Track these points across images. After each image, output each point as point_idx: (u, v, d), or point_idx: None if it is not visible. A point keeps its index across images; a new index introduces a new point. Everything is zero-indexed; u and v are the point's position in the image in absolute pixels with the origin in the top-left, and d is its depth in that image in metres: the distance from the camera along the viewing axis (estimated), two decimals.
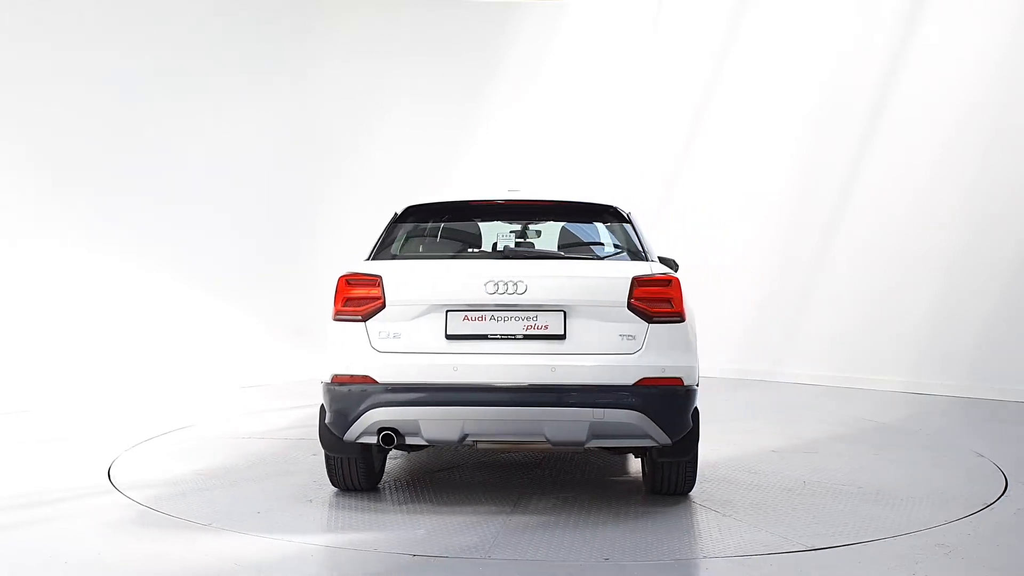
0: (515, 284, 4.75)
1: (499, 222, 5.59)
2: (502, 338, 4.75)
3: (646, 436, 4.71)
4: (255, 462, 6.14)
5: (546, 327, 4.74)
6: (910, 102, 9.75)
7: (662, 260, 6.88)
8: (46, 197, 8.91)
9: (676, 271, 6.93)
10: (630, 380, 4.67)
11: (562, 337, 4.73)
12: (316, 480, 5.68)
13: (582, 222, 5.49)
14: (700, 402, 6.65)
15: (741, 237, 10.83)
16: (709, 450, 6.52)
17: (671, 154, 11.52)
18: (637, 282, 4.78)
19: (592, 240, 5.49)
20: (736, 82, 11.03)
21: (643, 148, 11.69)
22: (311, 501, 5.22)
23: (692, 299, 5.06)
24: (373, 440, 4.82)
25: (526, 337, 4.74)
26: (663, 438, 4.72)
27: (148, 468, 6.00)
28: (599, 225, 5.40)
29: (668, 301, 4.80)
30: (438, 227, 5.60)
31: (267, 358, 10.27)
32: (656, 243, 7.50)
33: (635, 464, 6.17)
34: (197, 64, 9.96)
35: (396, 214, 5.52)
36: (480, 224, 5.66)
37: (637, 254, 5.17)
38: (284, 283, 10.41)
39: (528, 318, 4.76)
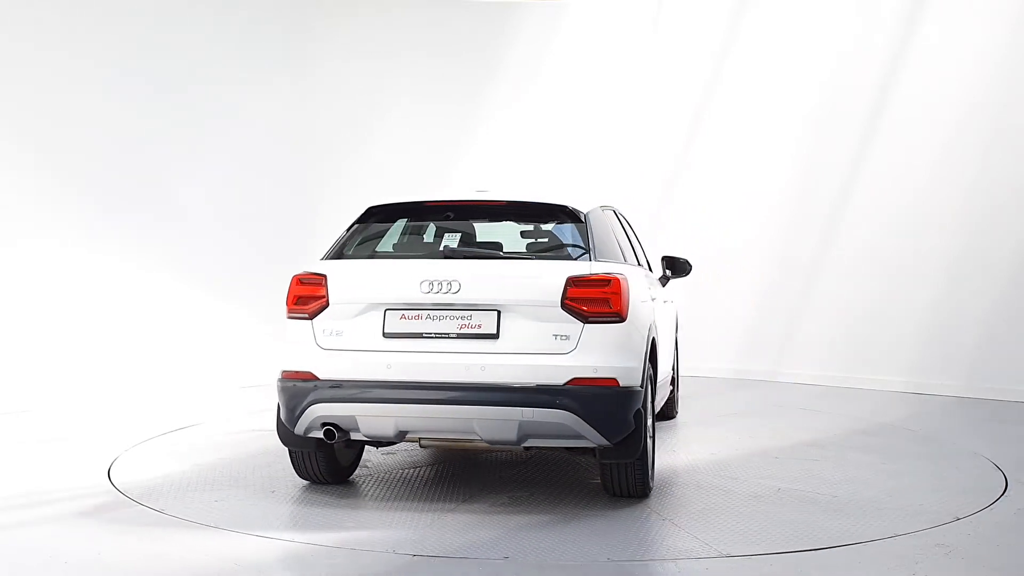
0: (449, 284, 4.81)
1: (460, 223, 5.58)
2: (436, 337, 4.81)
3: (579, 436, 4.72)
4: (255, 462, 6.14)
5: (479, 326, 4.78)
6: (910, 102, 9.74)
7: (672, 260, 6.92)
8: (46, 197, 8.91)
9: (688, 272, 6.98)
10: (560, 380, 4.67)
11: (495, 336, 4.76)
12: (316, 483, 5.68)
13: (537, 222, 5.46)
14: (700, 402, 6.72)
15: (741, 237, 10.83)
16: (696, 452, 6.55)
17: (671, 154, 11.51)
18: (571, 282, 4.77)
19: (545, 240, 5.45)
20: (736, 82, 11.02)
21: (643, 148, 11.68)
22: (311, 501, 5.22)
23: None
24: (319, 434, 4.95)
25: (460, 336, 4.79)
26: (599, 439, 4.73)
27: (148, 468, 6.00)
28: (557, 225, 5.35)
29: (606, 301, 4.77)
30: (395, 227, 5.60)
31: (267, 358, 10.25)
32: (657, 243, 7.53)
33: None
34: (196, 64, 9.95)
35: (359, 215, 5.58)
36: (436, 225, 5.63)
37: (585, 254, 5.06)
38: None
39: (463, 317, 4.80)
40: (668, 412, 7.78)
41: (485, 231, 5.64)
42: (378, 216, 5.51)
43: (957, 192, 9.42)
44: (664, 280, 7.01)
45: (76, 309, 9.01)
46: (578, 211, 5.22)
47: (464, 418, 4.74)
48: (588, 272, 4.84)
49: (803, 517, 4.89)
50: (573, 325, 4.73)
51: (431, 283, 4.82)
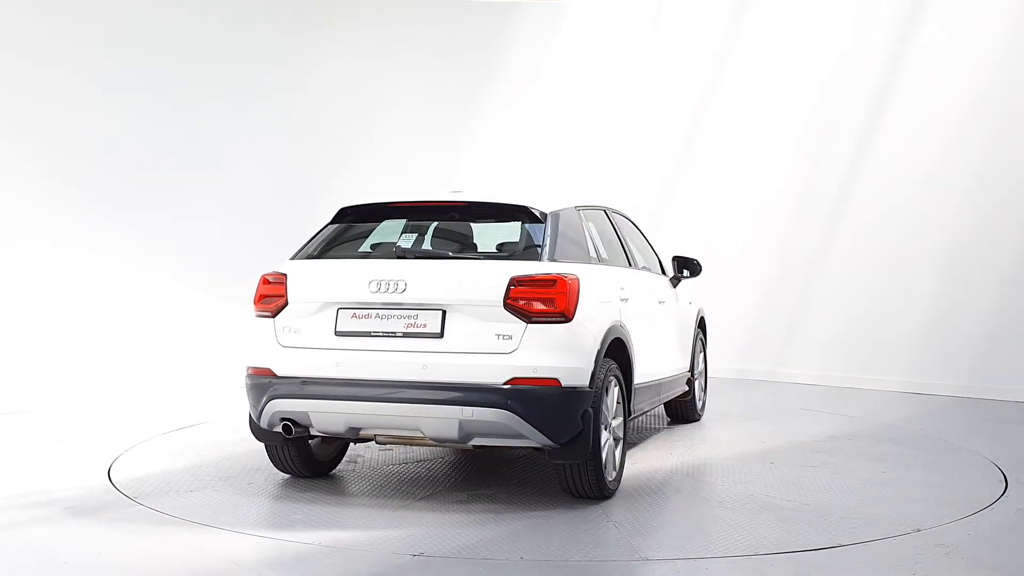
0: (395, 284, 4.89)
1: (431, 223, 5.64)
2: (384, 335, 4.89)
3: (520, 436, 4.75)
4: (255, 462, 6.13)
5: (425, 326, 4.84)
6: (910, 102, 9.74)
7: (682, 260, 6.93)
8: (47, 197, 8.91)
9: (697, 272, 6.98)
10: (500, 380, 4.69)
11: (439, 335, 4.81)
12: (316, 481, 5.68)
13: (498, 222, 5.47)
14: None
15: (741, 237, 10.83)
16: (689, 455, 6.49)
17: (671, 154, 11.51)
18: (515, 282, 4.78)
19: (502, 240, 5.43)
20: (736, 82, 11.02)
21: (643, 148, 11.68)
22: (312, 501, 5.22)
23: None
24: (280, 429, 5.10)
25: (406, 335, 4.86)
26: (541, 439, 4.76)
27: (148, 468, 6.00)
28: (516, 225, 5.32)
29: (550, 301, 4.77)
30: (360, 228, 5.62)
31: None
32: (657, 244, 7.52)
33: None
34: (196, 64, 9.95)
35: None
36: (402, 225, 5.67)
37: (537, 254, 5.04)
38: None
39: (409, 316, 4.87)
40: (687, 414, 7.65)
41: (453, 231, 5.66)
42: (351, 216, 5.58)
43: (957, 192, 9.42)
44: (675, 280, 7.01)
45: (76, 309, 9.01)
46: (539, 211, 5.20)
47: (408, 416, 4.82)
48: (532, 272, 4.84)
49: (751, 525, 4.75)
50: (516, 325, 4.75)
51: (379, 283, 4.92)
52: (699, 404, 7.80)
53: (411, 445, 5.53)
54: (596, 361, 4.95)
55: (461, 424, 4.75)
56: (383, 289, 4.90)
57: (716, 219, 11.01)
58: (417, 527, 4.71)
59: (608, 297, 5.35)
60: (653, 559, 4.25)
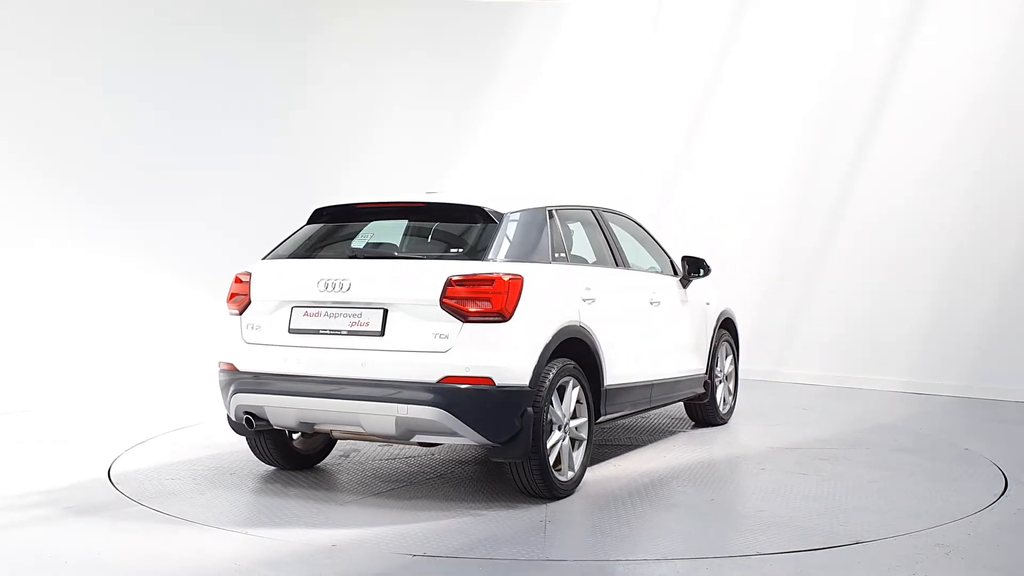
0: (340, 283, 5.04)
1: (394, 223, 5.74)
2: (331, 333, 5.05)
3: (454, 434, 4.84)
4: (255, 462, 6.13)
5: (367, 324, 4.97)
6: (910, 102, 9.74)
7: (690, 260, 6.89)
8: (47, 197, 8.91)
9: (705, 272, 6.91)
10: (433, 378, 4.78)
11: (380, 334, 4.93)
12: (316, 480, 5.68)
13: (456, 223, 5.49)
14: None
15: (741, 237, 10.83)
16: (676, 458, 6.39)
17: (671, 154, 11.51)
18: (451, 282, 4.85)
19: (453, 240, 5.46)
20: (736, 82, 11.02)
21: (643, 148, 11.68)
22: (313, 501, 5.22)
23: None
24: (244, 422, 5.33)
25: (350, 333, 5.00)
26: (476, 437, 4.84)
27: (149, 468, 6.00)
28: (470, 225, 5.35)
29: (487, 301, 4.82)
30: (327, 228, 5.70)
31: None
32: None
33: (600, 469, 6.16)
34: (196, 65, 9.95)
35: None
36: (368, 225, 5.73)
37: (484, 254, 5.06)
38: None
39: (353, 315, 5.02)
40: (708, 417, 7.46)
41: (413, 232, 5.70)
42: (325, 217, 5.70)
43: (957, 192, 9.41)
44: (686, 281, 6.94)
45: (76, 309, 9.01)
46: (493, 212, 5.24)
47: (349, 412, 4.97)
48: (470, 272, 4.89)
49: (684, 530, 4.73)
50: (452, 324, 4.82)
51: (326, 282, 5.08)
52: (723, 407, 7.61)
53: (361, 440, 5.68)
54: (540, 361, 4.97)
55: (398, 421, 4.85)
56: (330, 288, 5.06)
57: (716, 219, 11.01)
58: (418, 526, 4.71)
59: (564, 297, 5.35)
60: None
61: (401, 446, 6.47)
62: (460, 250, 5.22)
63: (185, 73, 9.85)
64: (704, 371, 7.21)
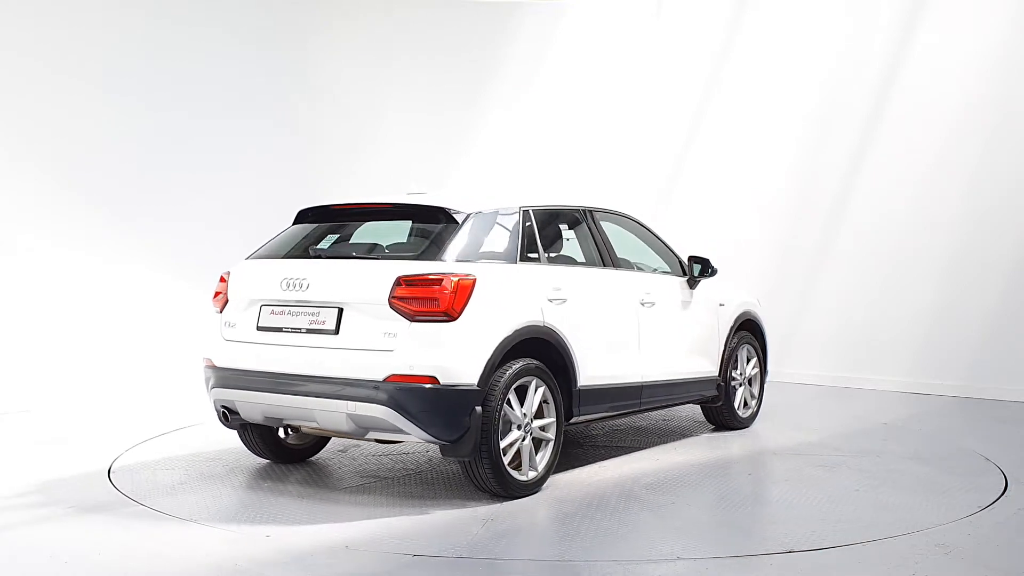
0: (300, 282, 5.20)
1: (364, 223, 5.85)
2: (292, 331, 5.20)
3: (400, 431, 4.94)
4: (255, 462, 6.14)
5: (324, 322, 5.10)
6: (910, 102, 9.73)
7: (696, 259, 6.83)
8: (46, 198, 8.91)
9: (711, 273, 6.82)
10: (380, 375, 4.87)
11: (335, 332, 5.04)
12: (317, 480, 5.68)
13: (421, 223, 5.57)
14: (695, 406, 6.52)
15: (741, 237, 10.82)
16: (664, 460, 6.33)
17: (671, 154, 11.51)
18: (399, 281, 4.93)
19: (415, 240, 5.54)
20: (736, 82, 11.02)
21: (643, 148, 11.68)
22: (313, 501, 5.22)
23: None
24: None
25: (309, 331, 5.13)
26: (422, 435, 4.92)
27: (149, 468, 6.00)
28: (432, 226, 5.41)
29: (433, 300, 4.89)
30: (311, 229, 5.80)
31: None
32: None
33: (587, 473, 6.16)
34: (196, 66, 9.94)
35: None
36: (340, 225, 5.83)
37: (440, 254, 5.12)
38: None
39: (312, 313, 5.15)
40: (725, 421, 7.29)
41: (381, 232, 5.77)
42: (309, 218, 5.83)
43: (957, 191, 9.41)
44: (693, 282, 6.85)
45: (76, 309, 9.01)
46: (455, 212, 5.31)
47: (305, 408, 5.11)
48: (418, 272, 4.97)
49: (608, 529, 4.71)
50: (399, 323, 4.89)
51: (287, 282, 5.25)
52: (744, 411, 7.41)
53: (325, 435, 5.86)
54: (491, 361, 5.01)
55: (348, 417, 4.97)
56: (291, 288, 5.22)
57: (716, 219, 11.01)
58: (418, 526, 4.71)
59: (525, 298, 5.35)
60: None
61: (406, 450, 6.46)
62: (418, 250, 5.28)
63: (185, 73, 9.84)
64: (716, 373, 7.07)
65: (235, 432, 6.01)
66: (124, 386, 8.98)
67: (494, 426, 5.01)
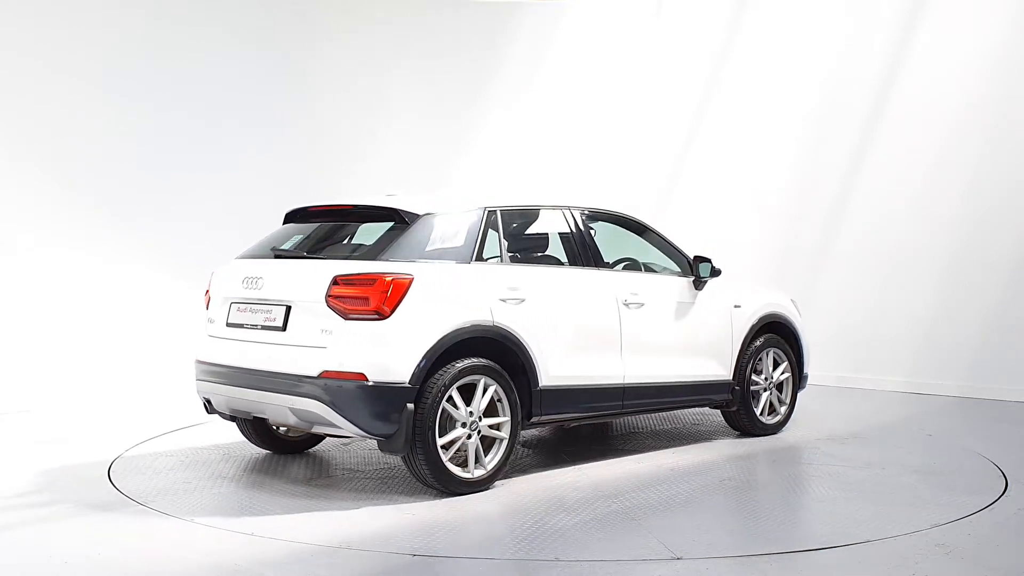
0: (256, 281, 5.47)
1: (331, 224, 5.98)
2: (251, 327, 5.45)
3: (334, 426, 5.12)
4: (255, 462, 6.14)
5: (274, 320, 5.32)
6: (910, 101, 9.73)
7: (700, 259, 6.71)
8: (46, 198, 8.91)
9: (712, 273, 6.66)
10: (314, 372, 5.06)
11: (283, 329, 5.26)
12: (317, 480, 5.68)
13: (376, 223, 5.66)
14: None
15: (740, 237, 10.82)
16: (652, 461, 6.30)
17: (671, 154, 11.51)
18: (335, 280, 5.10)
19: (367, 241, 5.60)
20: (735, 82, 11.02)
21: (643, 148, 11.68)
22: (313, 501, 5.22)
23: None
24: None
25: (263, 327, 5.37)
26: (355, 431, 5.09)
27: (148, 468, 6.00)
28: (386, 226, 5.52)
29: (365, 299, 5.03)
30: (291, 229, 5.99)
31: None
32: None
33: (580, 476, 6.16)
34: (196, 66, 9.94)
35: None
36: (309, 226, 5.95)
37: (382, 253, 5.27)
38: None
39: (266, 311, 5.38)
40: (744, 426, 7.03)
41: (344, 233, 5.91)
42: (295, 219, 6.04)
43: (957, 192, 9.41)
44: (699, 283, 6.66)
45: (77, 309, 9.01)
46: (407, 213, 5.45)
47: (257, 401, 5.35)
48: (354, 271, 5.13)
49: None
50: (335, 320, 5.06)
51: (247, 280, 5.53)
52: (770, 417, 7.13)
53: (286, 426, 6.00)
54: (426, 359, 5.09)
55: (290, 411, 5.19)
56: (249, 286, 5.49)
57: (715, 219, 11.01)
58: (419, 526, 4.71)
59: (471, 297, 5.37)
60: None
61: None
62: (362, 250, 5.41)
63: (185, 73, 9.83)
64: (728, 377, 6.83)
65: (234, 429, 6.12)
66: (124, 386, 8.98)
67: (429, 423, 5.10)
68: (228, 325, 5.59)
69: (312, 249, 5.68)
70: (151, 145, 9.60)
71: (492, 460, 5.41)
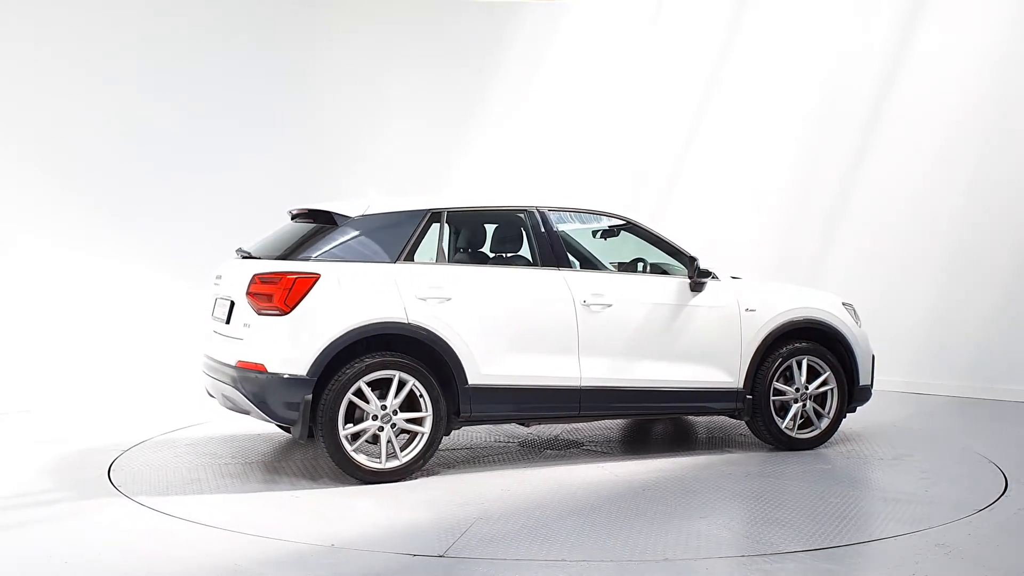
0: (219, 279, 6.03)
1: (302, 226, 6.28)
2: (217, 320, 5.97)
3: (248, 413, 5.59)
4: (256, 462, 6.14)
5: (224, 314, 5.82)
6: (910, 102, 9.73)
7: (691, 259, 6.65)
8: (46, 197, 8.92)
9: (700, 274, 6.35)
10: (232, 361, 5.58)
11: (227, 322, 5.77)
12: (317, 479, 5.68)
13: (322, 225, 5.93)
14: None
15: (740, 237, 10.81)
16: (668, 460, 6.29)
17: (671, 155, 11.50)
18: (254, 279, 5.56)
19: (312, 242, 5.83)
20: (735, 83, 11.01)
21: (643, 149, 11.68)
22: (312, 500, 5.22)
23: None
24: None
25: (222, 321, 5.86)
26: (262, 416, 5.52)
27: (149, 468, 6.00)
28: (328, 228, 5.83)
29: (269, 296, 5.46)
30: (283, 229, 6.33)
31: None
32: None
33: (584, 471, 6.17)
34: (196, 66, 9.95)
35: None
36: (294, 227, 6.25)
37: (306, 253, 5.66)
38: None
39: (224, 306, 5.86)
40: (768, 437, 6.54)
41: (309, 235, 6.15)
42: (291, 220, 6.39)
43: (957, 192, 9.40)
44: (697, 284, 6.36)
45: (77, 309, 9.01)
46: (338, 216, 5.83)
47: (218, 390, 5.86)
48: (268, 270, 5.57)
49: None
50: (251, 315, 5.52)
51: (216, 277, 6.10)
52: (803, 431, 6.59)
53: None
54: (325, 353, 5.39)
55: (225, 398, 5.74)
56: (216, 283, 6.06)
57: (716, 219, 11.00)
58: (418, 526, 4.71)
59: (381, 296, 5.57)
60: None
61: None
62: (288, 250, 5.77)
63: (185, 73, 9.84)
64: (736, 384, 6.39)
65: (234, 428, 6.40)
66: (124, 386, 8.98)
67: (330, 414, 5.40)
68: (212, 319, 6.07)
69: (268, 249, 5.99)
70: (151, 145, 9.61)
71: (409, 454, 5.61)
